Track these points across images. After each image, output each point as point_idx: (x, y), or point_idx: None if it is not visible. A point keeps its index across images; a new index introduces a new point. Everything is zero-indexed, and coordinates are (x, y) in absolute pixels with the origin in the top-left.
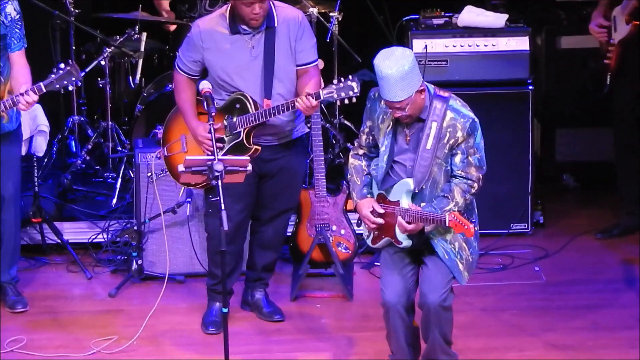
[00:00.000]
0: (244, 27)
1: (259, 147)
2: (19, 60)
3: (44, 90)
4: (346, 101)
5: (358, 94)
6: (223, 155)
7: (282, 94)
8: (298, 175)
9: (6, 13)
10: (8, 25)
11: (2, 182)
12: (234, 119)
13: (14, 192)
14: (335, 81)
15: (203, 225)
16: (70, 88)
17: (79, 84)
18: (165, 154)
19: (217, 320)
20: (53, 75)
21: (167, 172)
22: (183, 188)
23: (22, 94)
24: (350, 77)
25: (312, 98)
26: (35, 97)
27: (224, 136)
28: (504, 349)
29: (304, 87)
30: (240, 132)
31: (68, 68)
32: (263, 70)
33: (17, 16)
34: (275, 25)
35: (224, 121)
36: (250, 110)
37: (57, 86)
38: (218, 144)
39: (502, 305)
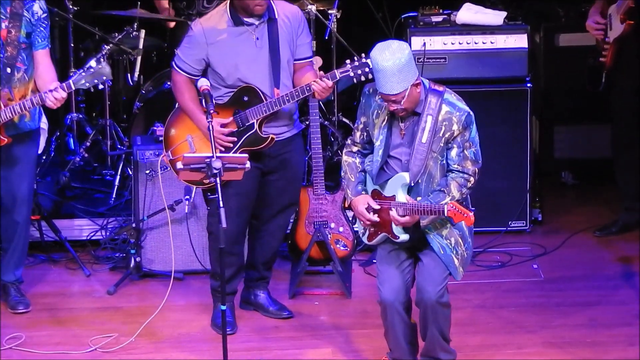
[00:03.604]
0: (246, 19)
1: (274, 136)
2: (43, 59)
3: (73, 88)
4: (362, 78)
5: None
6: (239, 149)
7: (287, 84)
8: (299, 170)
9: (33, 11)
10: (34, 23)
11: (17, 182)
12: (245, 112)
13: (27, 194)
14: (348, 61)
15: (201, 223)
16: (100, 87)
17: (110, 83)
18: (170, 157)
19: (231, 320)
20: (83, 73)
21: (170, 170)
22: (194, 188)
23: (50, 91)
24: (364, 55)
25: (328, 79)
26: (64, 94)
27: (236, 130)
28: (502, 345)
29: (300, 81)
30: (253, 123)
31: (99, 67)
32: (270, 60)
33: (44, 15)
34: (276, 17)
35: (233, 115)
36: (262, 100)
37: (87, 84)
38: (232, 138)
39: (500, 302)
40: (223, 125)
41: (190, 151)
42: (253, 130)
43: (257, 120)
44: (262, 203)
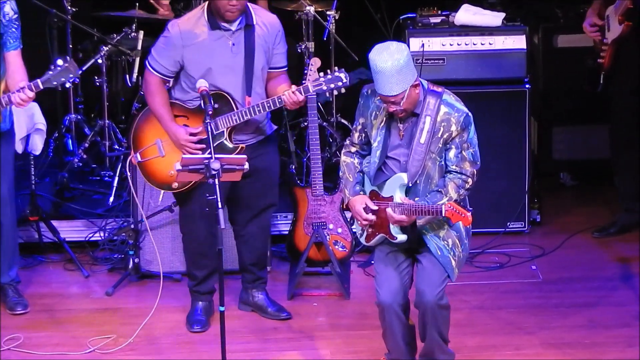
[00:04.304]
0: (223, 23)
1: (244, 146)
2: (14, 60)
3: (41, 87)
4: (335, 92)
5: (347, 84)
6: None
7: (259, 92)
8: (273, 172)
9: (4, 12)
10: (5, 24)
11: None
12: (215, 119)
13: (8, 194)
14: (322, 73)
15: None
16: (67, 85)
17: (77, 81)
18: (139, 159)
19: (202, 319)
20: (50, 72)
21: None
22: (162, 192)
23: (18, 91)
24: (337, 68)
25: (300, 92)
26: (32, 94)
27: (205, 137)
28: (501, 346)
29: (274, 90)
30: (222, 132)
31: (65, 65)
32: (244, 67)
33: (15, 16)
34: (254, 23)
35: (203, 122)
36: (233, 108)
37: (55, 83)
38: (200, 145)
39: (499, 303)
40: (193, 134)
41: (159, 155)
42: (222, 139)
43: (226, 129)
44: (239, 206)
